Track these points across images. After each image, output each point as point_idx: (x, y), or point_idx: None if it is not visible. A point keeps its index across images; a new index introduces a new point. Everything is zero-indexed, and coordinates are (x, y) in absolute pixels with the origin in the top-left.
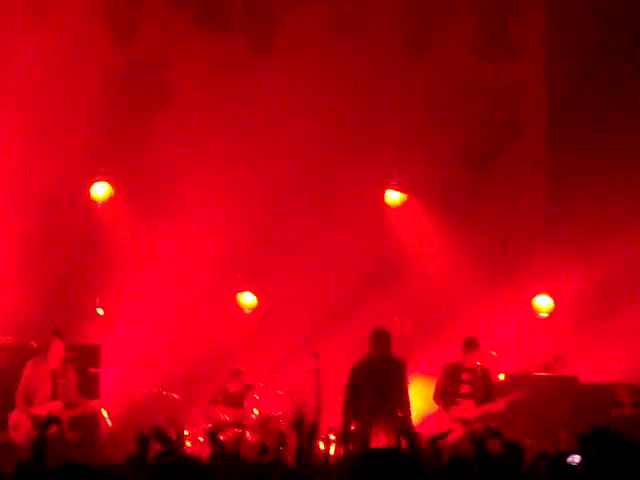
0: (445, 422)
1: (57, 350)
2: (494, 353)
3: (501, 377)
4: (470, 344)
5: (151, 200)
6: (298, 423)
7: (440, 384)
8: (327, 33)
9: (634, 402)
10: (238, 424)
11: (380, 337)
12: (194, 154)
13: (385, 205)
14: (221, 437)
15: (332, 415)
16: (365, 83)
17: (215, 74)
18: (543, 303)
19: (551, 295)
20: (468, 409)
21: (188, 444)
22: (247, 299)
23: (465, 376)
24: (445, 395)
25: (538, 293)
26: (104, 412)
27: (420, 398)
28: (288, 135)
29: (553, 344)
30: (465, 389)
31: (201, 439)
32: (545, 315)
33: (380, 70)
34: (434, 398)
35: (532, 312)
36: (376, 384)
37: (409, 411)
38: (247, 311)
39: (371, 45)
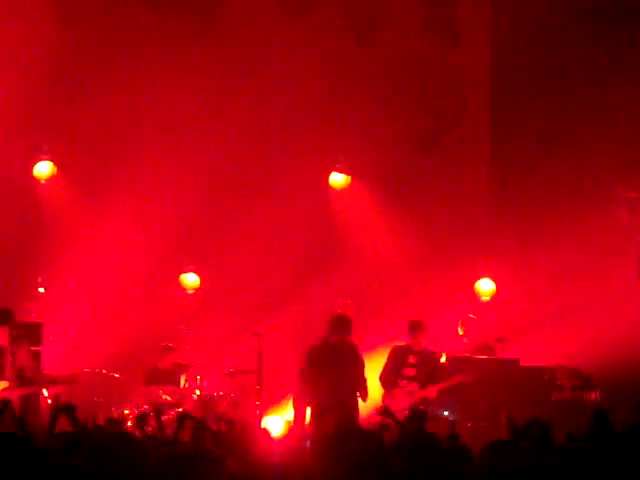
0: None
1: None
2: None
3: (442, 359)
4: (415, 327)
5: (94, 179)
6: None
7: (386, 365)
8: (272, 16)
9: (573, 385)
10: (179, 404)
11: (341, 324)
12: (137, 134)
13: (330, 187)
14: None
15: (273, 396)
16: (311, 66)
17: (159, 46)
18: (485, 287)
19: (494, 279)
20: (412, 392)
21: (129, 424)
22: (190, 279)
23: (412, 359)
24: (389, 376)
25: (481, 277)
26: (44, 391)
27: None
28: (233, 116)
29: (495, 327)
30: (410, 371)
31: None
32: (487, 299)
33: (326, 53)
34: (379, 379)
35: (475, 295)
36: (335, 367)
37: (366, 394)
38: (190, 291)
39: (317, 28)
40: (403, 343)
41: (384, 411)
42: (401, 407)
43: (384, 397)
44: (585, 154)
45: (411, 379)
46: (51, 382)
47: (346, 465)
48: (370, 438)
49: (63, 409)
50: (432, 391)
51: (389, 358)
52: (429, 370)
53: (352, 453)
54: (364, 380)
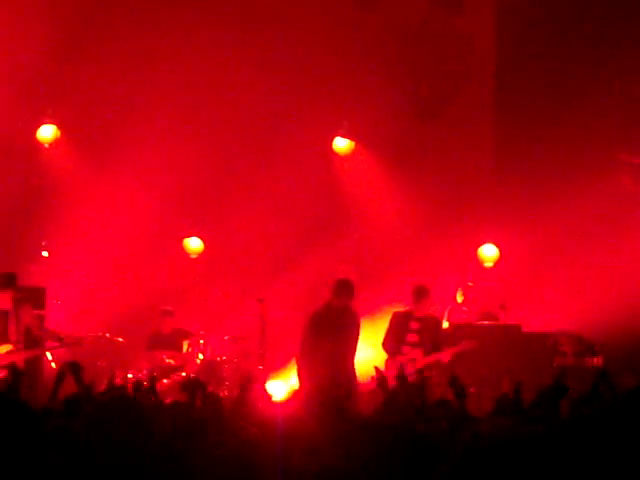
0: (392, 370)
1: (4, 293)
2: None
3: (445, 325)
4: (419, 292)
5: (97, 143)
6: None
7: (388, 331)
8: None
9: (576, 351)
10: (182, 368)
11: (344, 288)
12: (141, 99)
13: (333, 152)
14: (164, 381)
15: (276, 361)
16: (316, 31)
17: (163, 11)
18: (488, 252)
19: (497, 245)
20: (416, 358)
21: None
22: (193, 244)
23: (414, 325)
24: (392, 342)
25: (484, 243)
26: (48, 355)
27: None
28: (237, 80)
29: (498, 293)
30: (412, 338)
31: (145, 383)
32: (490, 265)
33: (330, 19)
34: (382, 345)
35: (478, 261)
36: (333, 333)
37: (353, 363)
38: (193, 256)
39: None
40: (403, 309)
41: (379, 379)
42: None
43: (387, 363)
44: (589, 121)
45: (414, 345)
46: (58, 339)
47: (347, 432)
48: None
49: (70, 367)
50: (446, 355)
51: (390, 325)
52: (432, 336)
53: (350, 420)
54: (352, 352)
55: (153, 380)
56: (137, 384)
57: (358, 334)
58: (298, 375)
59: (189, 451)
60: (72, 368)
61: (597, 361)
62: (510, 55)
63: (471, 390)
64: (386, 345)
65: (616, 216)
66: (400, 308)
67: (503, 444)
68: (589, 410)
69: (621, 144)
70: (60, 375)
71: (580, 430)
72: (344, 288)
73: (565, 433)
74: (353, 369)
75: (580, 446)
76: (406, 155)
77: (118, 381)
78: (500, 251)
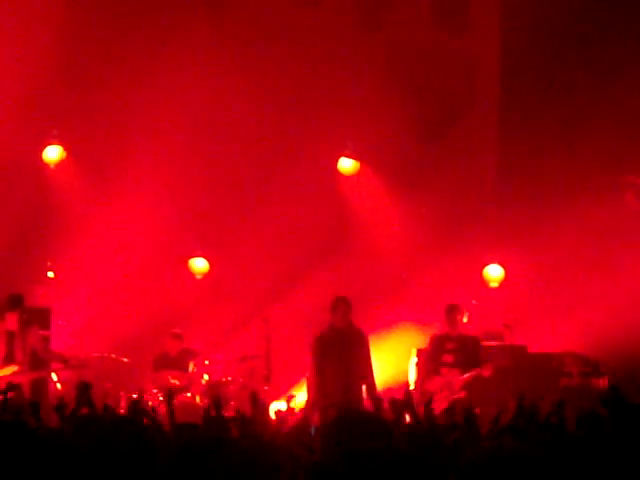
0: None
1: (11, 314)
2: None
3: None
4: (450, 311)
5: (103, 164)
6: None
7: (426, 354)
8: (281, 3)
9: (581, 372)
10: (187, 388)
11: (343, 305)
12: (146, 119)
13: (338, 173)
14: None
15: (281, 381)
16: (322, 51)
17: (164, 35)
18: (494, 273)
19: (502, 265)
20: (452, 378)
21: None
22: (199, 264)
23: (449, 345)
24: (429, 365)
25: (489, 263)
26: (54, 376)
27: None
28: (244, 101)
29: (503, 313)
30: (448, 358)
31: (150, 404)
32: (496, 285)
33: (336, 39)
34: (417, 366)
35: (483, 282)
36: (342, 353)
37: (373, 380)
38: (198, 277)
39: (328, 14)
40: (441, 332)
41: (393, 402)
42: (447, 393)
43: (423, 384)
44: (594, 141)
45: (451, 366)
46: (63, 361)
47: (348, 452)
48: (374, 424)
49: (80, 388)
50: (488, 368)
51: (428, 347)
52: (470, 356)
53: (355, 440)
54: (371, 370)
55: (170, 399)
56: (135, 405)
57: (369, 351)
58: (307, 395)
59: (195, 473)
60: (82, 389)
61: (603, 382)
62: (515, 76)
63: (476, 411)
64: (421, 367)
65: (621, 236)
66: (437, 330)
67: (503, 463)
68: (591, 431)
69: (626, 164)
70: (80, 392)
71: (582, 453)
72: (340, 305)
73: (567, 455)
74: (371, 386)
75: (580, 469)
76: (411, 175)
77: (123, 402)
78: (505, 271)
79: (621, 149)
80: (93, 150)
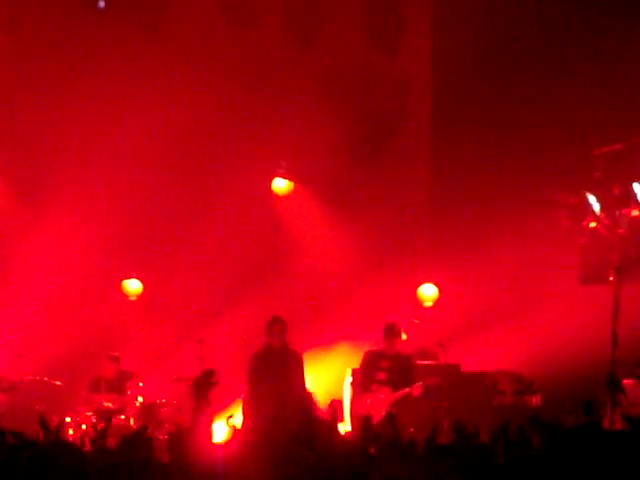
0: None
1: None
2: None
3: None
4: (389, 331)
5: (35, 185)
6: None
7: (359, 371)
8: (215, 22)
9: (515, 390)
10: (122, 411)
11: (278, 324)
12: (78, 140)
13: (273, 193)
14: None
15: (217, 402)
16: (255, 72)
17: (96, 53)
18: (428, 292)
19: (436, 284)
20: (385, 395)
21: (70, 432)
22: (132, 286)
23: (384, 363)
24: (362, 381)
25: (423, 282)
26: None
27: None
28: (177, 121)
29: (437, 332)
30: (381, 376)
31: (84, 427)
32: (430, 304)
33: (269, 59)
34: (351, 383)
35: (418, 301)
36: (278, 372)
37: (311, 398)
38: (132, 298)
39: (260, 34)
40: (376, 348)
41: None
42: (376, 411)
43: (354, 401)
44: (525, 160)
45: (384, 383)
46: None
47: (283, 473)
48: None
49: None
50: (417, 388)
51: (362, 363)
52: (402, 375)
53: (289, 461)
54: (304, 389)
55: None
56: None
57: (302, 371)
58: (243, 416)
59: None
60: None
61: (536, 400)
62: (446, 96)
63: (410, 430)
64: (355, 383)
65: (554, 254)
66: (373, 347)
67: None
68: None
69: (559, 183)
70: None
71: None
72: (275, 325)
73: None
74: (306, 402)
75: None
76: (345, 194)
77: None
78: (439, 290)
79: (554, 167)
80: (25, 172)
